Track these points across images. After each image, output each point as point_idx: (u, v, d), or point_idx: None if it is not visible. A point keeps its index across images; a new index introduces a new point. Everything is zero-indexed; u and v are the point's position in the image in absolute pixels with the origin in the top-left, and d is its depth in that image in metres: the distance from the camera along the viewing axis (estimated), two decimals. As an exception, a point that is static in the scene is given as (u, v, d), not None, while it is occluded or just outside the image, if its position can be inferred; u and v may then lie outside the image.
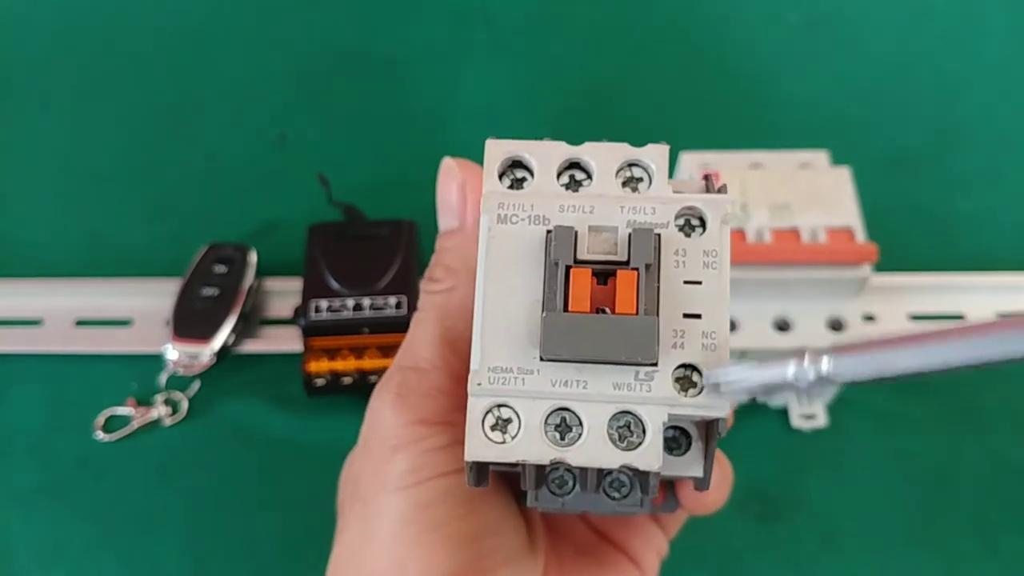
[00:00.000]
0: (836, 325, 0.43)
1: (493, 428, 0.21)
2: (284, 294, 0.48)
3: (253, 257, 0.47)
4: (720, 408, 0.21)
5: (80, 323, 0.48)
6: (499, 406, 0.21)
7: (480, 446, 0.21)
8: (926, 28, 0.58)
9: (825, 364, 0.18)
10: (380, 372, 0.43)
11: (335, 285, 0.44)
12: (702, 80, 0.56)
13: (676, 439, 0.23)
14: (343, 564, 0.26)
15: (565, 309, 0.21)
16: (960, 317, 0.47)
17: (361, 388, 0.44)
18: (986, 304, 0.47)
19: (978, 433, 0.45)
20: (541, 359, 0.21)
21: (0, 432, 0.45)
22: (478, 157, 0.24)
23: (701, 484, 0.23)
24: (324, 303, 0.44)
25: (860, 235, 0.43)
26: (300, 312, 0.44)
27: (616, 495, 0.23)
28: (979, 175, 0.53)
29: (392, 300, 0.44)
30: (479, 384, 0.21)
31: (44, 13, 0.59)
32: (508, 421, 0.21)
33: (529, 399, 0.21)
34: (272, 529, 0.43)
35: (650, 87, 0.56)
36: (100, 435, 0.45)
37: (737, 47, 0.57)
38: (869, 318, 0.46)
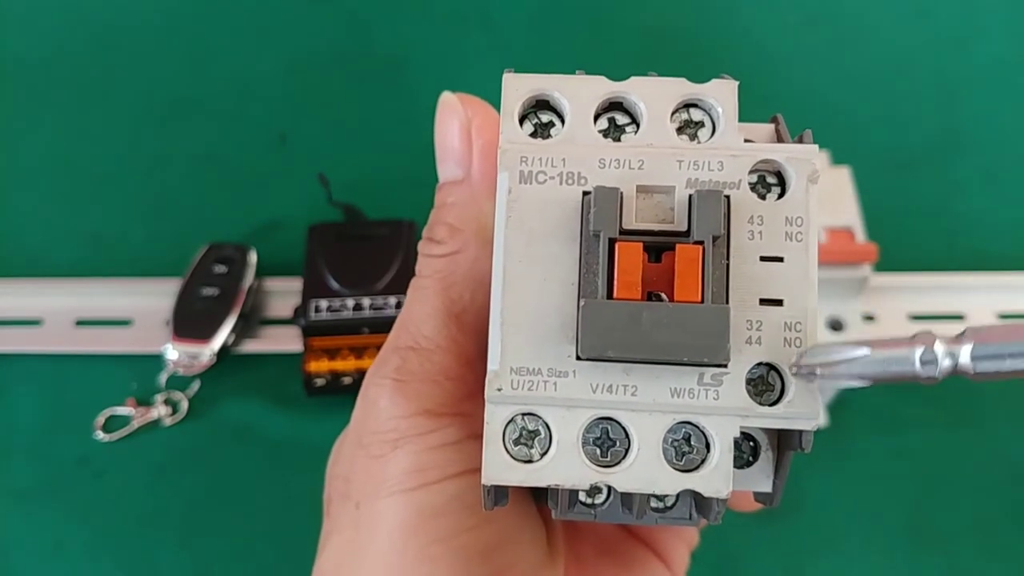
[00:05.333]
0: (836, 325, 0.43)
1: (517, 442, 0.17)
2: (284, 294, 0.48)
3: (253, 257, 0.47)
4: (809, 418, 0.17)
5: (80, 323, 0.48)
6: (526, 415, 0.17)
7: (501, 467, 0.17)
8: (926, 28, 0.58)
9: (965, 352, 0.14)
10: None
11: (335, 285, 0.44)
12: (702, 80, 0.56)
13: (738, 445, 0.18)
14: None
15: (609, 296, 0.17)
16: (960, 317, 0.47)
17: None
18: (986, 304, 0.47)
19: (978, 433, 0.45)
20: (578, 358, 0.17)
21: (0, 432, 0.45)
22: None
23: (765, 499, 0.19)
24: (324, 303, 0.44)
25: (860, 235, 0.43)
26: (300, 312, 0.44)
27: (660, 506, 0.20)
28: (979, 175, 0.52)
29: (392, 300, 0.44)
30: (499, 389, 0.17)
31: (44, 13, 0.59)
32: (535, 433, 0.17)
33: (563, 408, 0.17)
34: (272, 529, 0.42)
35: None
36: (100, 435, 0.45)
37: (737, 47, 0.57)
38: (869, 318, 0.46)
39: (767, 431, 0.18)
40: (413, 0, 0.59)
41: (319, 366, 0.44)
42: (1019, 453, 0.44)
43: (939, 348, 0.15)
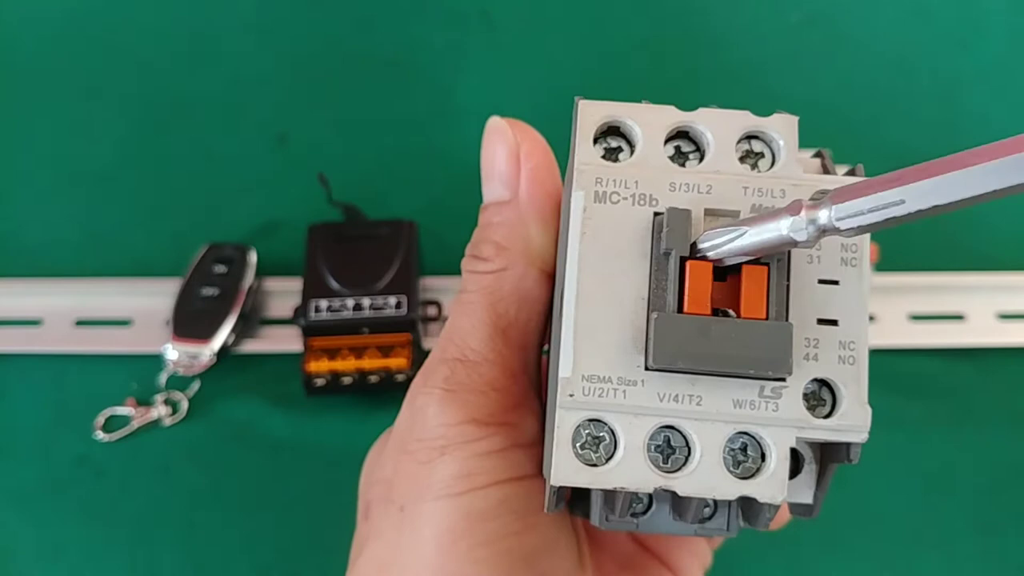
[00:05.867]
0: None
1: (584, 447, 0.18)
2: (284, 294, 0.48)
3: (253, 257, 0.47)
4: (860, 431, 0.18)
5: (80, 323, 0.48)
6: (592, 421, 0.18)
7: (570, 469, 0.18)
8: (926, 28, 0.58)
9: (824, 215, 0.16)
10: (380, 372, 0.43)
11: (335, 285, 0.44)
12: (702, 80, 0.56)
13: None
14: None
15: (679, 310, 0.18)
16: (960, 317, 0.47)
17: (361, 388, 0.44)
18: (986, 304, 0.47)
19: (978, 433, 0.45)
20: (647, 368, 0.18)
21: (0, 432, 0.45)
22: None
23: (802, 511, 0.20)
24: (324, 303, 0.44)
25: (860, 235, 0.43)
26: (300, 312, 0.44)
27: (699, 516, 0.21)
28: (979, 175, 0.52)
29: (392, 300, 0.44)
30: (571, 395, 0.18)
31: (44, 13, 0.59)
32: (600, 440, 0.18)
33: (631, 415, 0.18)
34: (272, 529, 0.42)
35: (650, 87, 0.56)
36: (100, 435, 0.45)
37: (737, 47, 0.57)
38: (869, 318, 0.46)
39: (812, 447, 0.20)
40: (413, 0, 0.59)
41: (319, 366, 0.44)
42: (1019, 453, 0.44)
43: (803, 215, 0.16)
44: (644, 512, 0.21)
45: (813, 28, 0.58)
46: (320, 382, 0.44)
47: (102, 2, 0.59)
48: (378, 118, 0.55)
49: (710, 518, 0.21)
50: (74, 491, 0.44)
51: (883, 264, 0.43)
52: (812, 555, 0.42)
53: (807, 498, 0.19)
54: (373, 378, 0.44)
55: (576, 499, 0.22)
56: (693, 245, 0.18)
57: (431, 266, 0.46)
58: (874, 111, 0.55)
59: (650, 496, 0.20)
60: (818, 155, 0.20)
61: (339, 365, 0.44)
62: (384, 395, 0.45)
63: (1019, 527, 0.43)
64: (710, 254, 0.18)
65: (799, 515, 0.20)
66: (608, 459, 0.18)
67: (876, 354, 0.45)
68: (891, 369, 0.46)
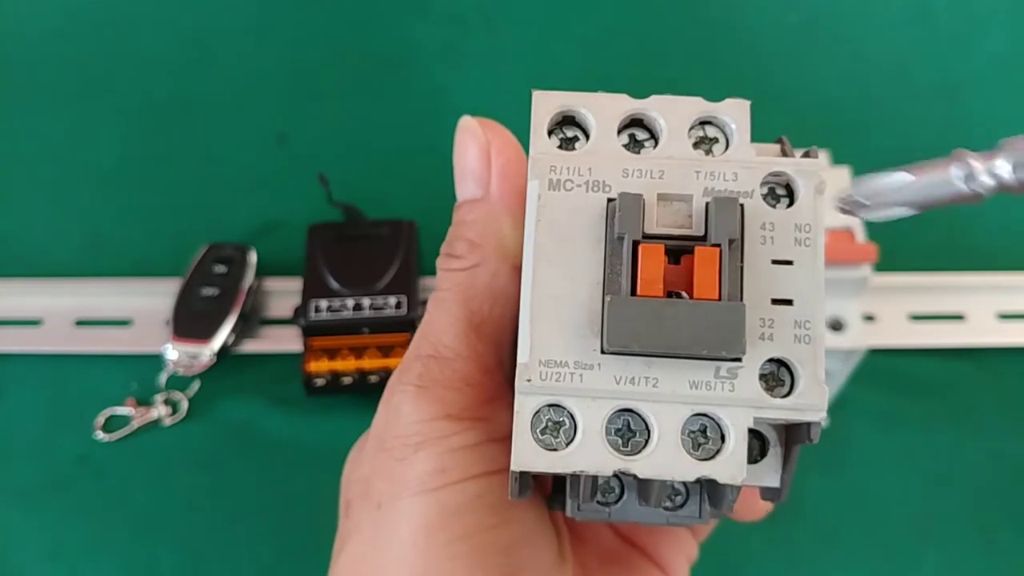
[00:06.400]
0: (836, 325, 0.43)
1: (544, 432, 0.18)
2: (284, 294, 0.48)
3: (253, 257, 0.47)
4: (817, 410, 0.18)
5: (80, 323, 0.48)
6: (551, 406, 0.18)
7: (530, 454, 0.18)
8: (926, 28, 0.58)
9: (1003, 167, 0.15)
10: (380, 372, 0.43)
11: (335, 285, 0.44)
12: (702, 80, 0.56)
13: (748, 443, 0.19)
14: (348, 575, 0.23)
15: (633, 292, 0.18)
16: (960, 317, 0.47)
17: (361, 388, 0.44)
18: (986, 304, 0.47)
19: (978, 433, 0.45)
20: (603, 352, 0.18)
21: (0, 432, 0.45)
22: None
23: (771, 495, 0.20)
24: (324, 303, 0.44)
25: (860, 235, 0.43)
26: (300, 312, 0.44)
27: (670, 505, 0.21)
28: (979, 175, 0.52)
29: (392, 300, 0.44)
30: (529, 380, 0.18)
31: (44, 13, 0.59)
32: (560, 424, 0.18)
33: (588, 399, 0.18)
34: (272, 529, 0.42)
35: (650, 87, 0.56)
36: (100, 435, 0.45)
37: (737, 47, 0.57)
38: (869, 318, 0.46)
39: (776, 429, 0.20)
40: (413, 0, 0.59)
41: (319, 366, 0.44)
42: (1019, 453, 0.44)
43: (976, 165, 0.15)
44: (616, 502, 0.21)
45: (812, 28, 0.58)
46: (320, 382, 0.44)
47: (102, 2, 0.59)
48: (378, 118, 0.55)
49: (682, 506, 0.21)
50: (74, 491, 0.44)
51: (883, 264, 0.43)
52: (812, 554, 0.42)
53: (774, 481, 0.20)
54: (373, 378, 0.44)
55: (556, 492, 0.22)
56: (846, 194, 0.18)
57: (431, 266, 0.46)
58: (874, 111, 0.55)
59: (621, 485, 0.21)
60: (779, 141, 0.20)
61: (339, 365, 0.44)
62: (384, 395, 0.45)
63: (1019, 526, 0.43)
64: (867, 201, 0.17)
65: (768, 499, 0.20)
66: (568, 443, 0.18)
67: (876, 354, 0.45)
68: (891, 369, 0.46)
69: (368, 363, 0.44)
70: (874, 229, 0.43)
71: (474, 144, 0.23)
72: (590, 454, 0.18)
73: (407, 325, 0.44)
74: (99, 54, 0.58)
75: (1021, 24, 0.58)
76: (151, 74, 0.57)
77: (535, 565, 0.23)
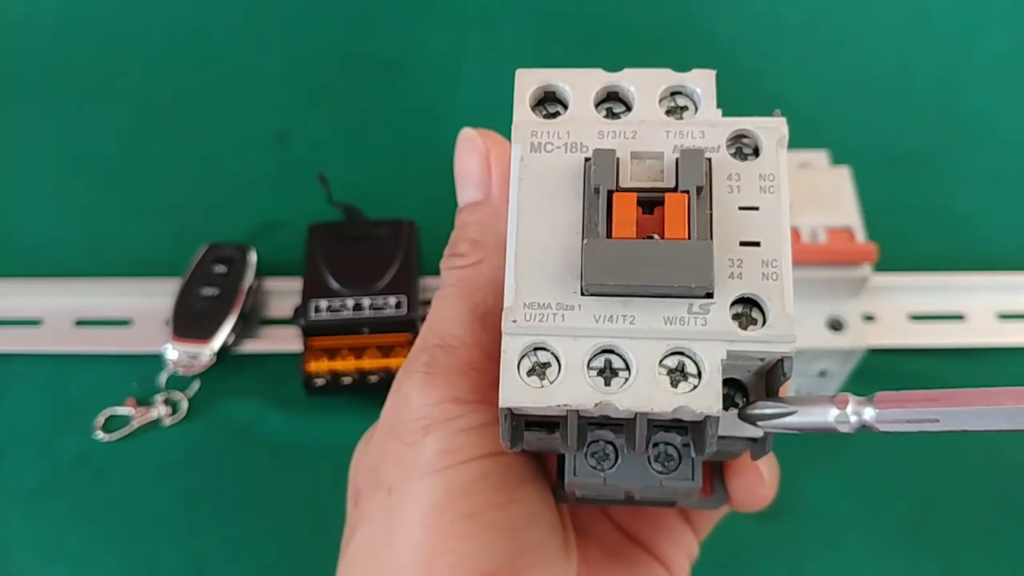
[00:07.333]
0: (836, 325, 0.43)
1: (530, 373, 0.19)
2: (284, 294, 0.48)
3: (253, 257, 0.47)
4: (787, 341, 0.19)
5: (80, 323, 0.48)
6: (536, 349, 0.19)
7: (516, 390, 0.19)
8: (926, 28, 0.58)
9: (868, 413, 0.18)
10: (380, 372, 0.43)
11: (335, 285, 0.44)
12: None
13: (730, 396, 0.20)
14: (361, 561, 0.23)
15: (608, 236, 0.19)
16: (960, 317, 0.47)
17: (361, 388, 0.44)
18: (986, 304, 0.47)
19: (978, 433, 0.45)
20: (583, 293, 0.19)
21: (0, 432, 0.45)
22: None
23: (759, 450, 0.21)
24: (324, 303, 0.44)
25: (860, 235, 0.43)
26: (300, 312, 0.44)
27: (662, 468, 0.22)
28: (979, 175, 0.52)
29: (392, 300, 0.44)
30: (514, 321, 0.19)
31: (44, 13, 0.59)
32: (547, 365, 0.19)
33: (570, 337, 0.19)
34: (272, 529, 0.42)
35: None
36: (100, 435, 0.45)
37: (737, 47, 0.57)
38: (869, 318, 0.46)
39: (757, 376, 0.21)
40: (413, 0, 0.59)
41: (319, 366, 0.44)
42: (1019, 453, 0.44)
43: (850, 409, 0.18)
44: (612, 467, 0.22)
45: (813, 28, 0.58)
46: (320, 382, 0.44)
47: (102, 2, 0.59)
48: (378, 118, 0.55)
49: (675, 470, 0.22)
50: (74, 491, 0.44)
51: (883, 264, 0.43)
52: (812, 554, 0.42)
53: (756, 431, 0.21)
54: (373, 378, 0.44)
55: (560, 480, 0.23)
56: (746, 410, 0.20)
57: (431, 266, 0.46)
58: (874, 111, 0.55)
59: (616, 452, 0.22)
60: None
61: (339, 365, 0.44)
62: (384, 395, 0.45)
63: (1020, 527, 0.43)
64: (758, 423, 0.19)
65: (756, 456, 0.21)
66: (553, 381, 0.19)
67: (876, 354, 0.45)
68: (891, 369, 0.46)
69: (368, 363, 0.44)
70: (874, 229, 0.43)
71: (474, 152, 0.24)
72: (573, 388, 0.19)
73: (407, 325, 0.44)
74: (99, 54, 0.58)
75: (1021, 24, 0.58)
76: (151, 74, 0.57)
77: (541, 547, 0.24)
